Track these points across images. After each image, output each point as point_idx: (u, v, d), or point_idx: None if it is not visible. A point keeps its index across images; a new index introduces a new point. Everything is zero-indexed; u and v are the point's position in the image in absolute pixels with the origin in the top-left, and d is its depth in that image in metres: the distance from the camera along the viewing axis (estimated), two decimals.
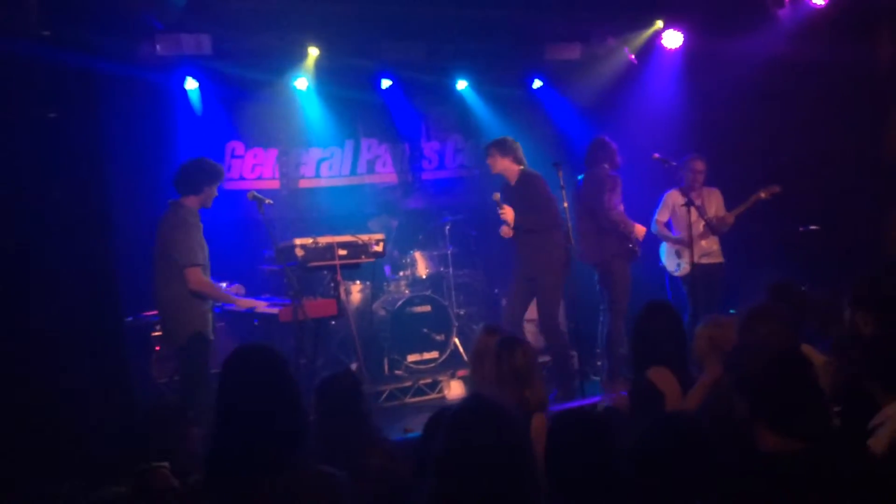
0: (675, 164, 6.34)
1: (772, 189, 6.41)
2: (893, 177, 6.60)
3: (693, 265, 6.13)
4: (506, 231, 6.11)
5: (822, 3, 6.50)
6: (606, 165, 6.38)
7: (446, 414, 2.21)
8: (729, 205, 6.75)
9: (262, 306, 5.55)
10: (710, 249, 6.67)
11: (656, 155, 6.31)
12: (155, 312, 5.61)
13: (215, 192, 5.23)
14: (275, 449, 2.30)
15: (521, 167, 6.19)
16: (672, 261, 6.81)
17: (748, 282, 6.56)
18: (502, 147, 6.18)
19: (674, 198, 6.74)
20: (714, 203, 6.75)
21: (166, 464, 2.82)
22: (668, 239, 6.80)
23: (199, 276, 4.96)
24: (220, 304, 5.73)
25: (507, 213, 6.00)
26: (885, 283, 3.81)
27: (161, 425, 3.16)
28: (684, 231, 6.46)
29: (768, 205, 6.73)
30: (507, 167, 6.16)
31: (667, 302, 3.98)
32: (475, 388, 3.88)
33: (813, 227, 6.96)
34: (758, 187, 6.52)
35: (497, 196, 6.10)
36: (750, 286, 6.40)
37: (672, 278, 6.85)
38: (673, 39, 7.30)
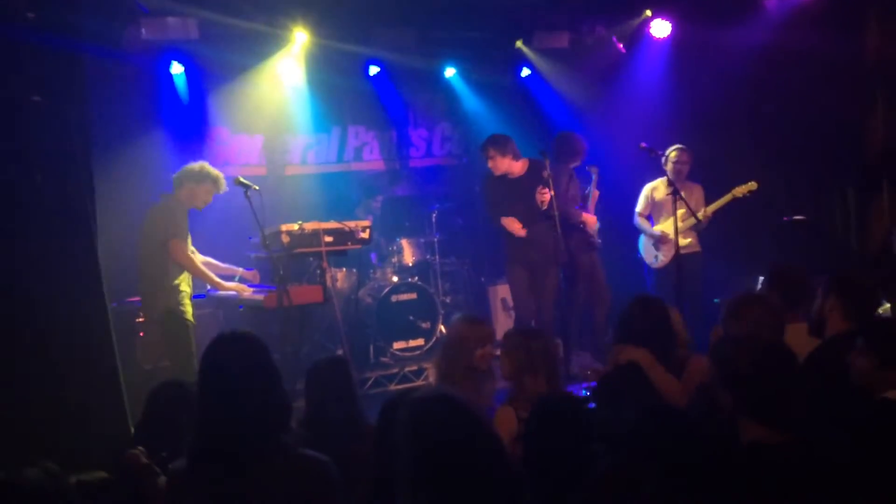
0: (661, 153, 6.35)
1: (748, 187, 6.39)
2: (878, 167, 6.65)
3: (679, 256, 6.11)
4: (518, 228, 6.08)
5: None
6: (566, 159, 6.44)
7: (403, 418, 2.13)
8: (714, 196, 6.73)
9: (247, 291, 5.56)
10: (687, 240, 6.67)
11: (643, 144, 6.33)
12: (138, 298, 5.64)
13: (204, 196, 5.38)
14: (257, 435, 2.30)
15: (525, 158, 6.22)
16: (650, 253, 6.83)
17: (734, 271, 6.62)
18: (500, 145, 6.14)
19: (653, 190, 6.77)
20: (694, 199, 6.69)
21: (140, 448, 2.81)
22: (647, 232, 6.83)
23: (182, 248, 5.16)
24: (205, 290, 5.74)
25: (547, 194, 5.91)
26: (860, 274, 3.86)
27: (164, 412, 3.11)
28: (668, 220, 6.56)
29: (755, 194, 6.77)
30: (508, 165, 6.14)
31: (653, 296, 4.00)
32: (443, 378, 3.83)
33: (798, 217, 7.01)
34: (736, 182, 6.51)
35: (548, 174, 5.98)
36: (736, 276, 6.46)
37: (650, 270, 6.88)
38: (661, 29, 7.30)
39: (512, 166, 6.16)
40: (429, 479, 1.99)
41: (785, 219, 6.90)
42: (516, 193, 6.12)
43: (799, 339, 3.40)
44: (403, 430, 2.06)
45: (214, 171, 5.40)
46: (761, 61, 7.10)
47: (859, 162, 6.79)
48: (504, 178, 6.19)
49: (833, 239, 7.02)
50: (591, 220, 6.54)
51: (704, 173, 6.90)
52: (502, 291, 7.98)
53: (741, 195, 6.38)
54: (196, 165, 5.37)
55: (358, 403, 3.31)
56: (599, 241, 6.70)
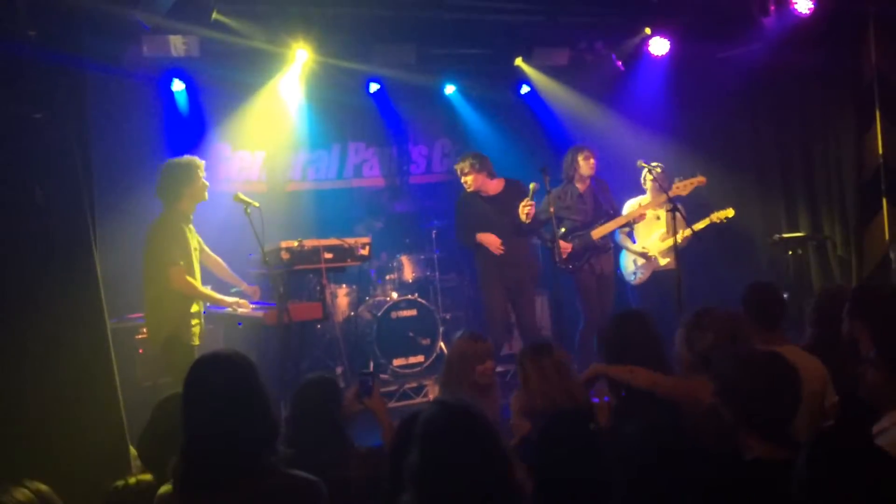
0: (660, 170, 6.36)
1: (726, 213, 6.35)
2: (876, 184, 6.66)
3: (679, 271, 6.05)
4: (497, 244, 6.14)
5: (807, 12, 6.55)
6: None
7: (416, 422, 2.17)
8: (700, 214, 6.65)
9: (246, 306, 5.55)
10: (666, 259, 6.64)
11: (641, 161, 6.35)
12: (138, 315, 5.62)
13: (202, 184, 5.16)
14: (242, 456, 2.28)
15: (502, 178, 6.32)
16: (629, 269, 6.83)
17: (732, 289, 6.60)
18: (478, 160, 6.25)
19: (634, 207, 6.75)
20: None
21: None
22: (629, 248, 6.82)
23: (181, 275, 4.99)
24: (204, 307, 5.71)
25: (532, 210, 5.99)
26: (881, 294, 3.84)
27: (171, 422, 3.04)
28: (649, 237, 6.60)
29: (752, 212, 6.76)
30: (483, 182, 6.24)
31: (633, 311, 3.98)
32: (451, 393, 3.82)
33: (797, 234, 7.01)
34: (734, 199, 6.49)
35: (536, 186, 6.05)
36: (734, 293, 6.44)
37: (631, 286, 6.86)
38: (660, 46, 7.34)
39: (487, 184, 6.25)
40: (432, 481, 2.02)
41: (784, 235, 6.89)
42: (491, 212, 6.20)
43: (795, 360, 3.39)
44: (420, 430, 2.11)
45: (187, 159, 5.17)
46: (759, 79, 7.14)
47: (858, 179, 6.79)
48: (477, 195, 6.26)
49: (833, 257, 7.01)
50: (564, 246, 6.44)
51: (702, 189, 6.90)
52: None
53: (718, 221, 6.34)
54: (166, 173, 5.14)
55: (338, 427, 3.20)
56: (570, 266, 6.46)
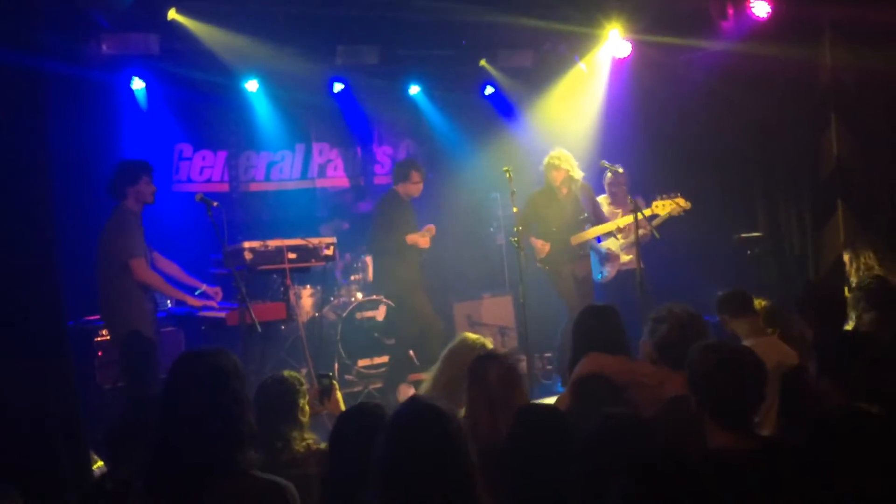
0: (621, 171, 6.42)
1: (683, 206, 6.42)
2: (832, 185, 6.79)
3: (641, 271, 6.12)
4: (426, 240, 6.60)
5: (765, 15, 6.66)
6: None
7: (380, 420, 2.17)
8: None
9: (212, 304, 5.51)
10: (629, 256, 6.72)
11: (604, 161, 6.42)
12: (97, 317, 5.55)
13: (148, 188, 5.22)
14: (216, 457, 2.26)
15: None
16: (595, 269, 6.90)
17: (693, 286, 6.70)
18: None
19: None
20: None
21: None
22: (593, 248, 6.88)
23: (143, 267, 5.05)
24: (166, 307, 5.65)
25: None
26: (823, 289, 3.95)
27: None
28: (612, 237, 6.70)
29: (714, 212, 6.85)
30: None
31: (601, 306, 4.03)
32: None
33: (756, 234, 7.13)
34: (694, 199, 6.58)
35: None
36: (695, 291, 6.54)
37: (597, 285, 6.93)
38: (622, 49, 7.42)
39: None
40: (397, 473, 2.04)
41: (743, 235, 7.01)
42: (415, 217, 6.62)
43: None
44: (390, 420, 2.14)
45: (137, 162, 5.27)
46: (719, 81, 7.25)
47: (815, 181, 6.92)
48: (404, 200, 6.61)
49: (788, 255, 7.15)
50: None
51: (663, 190, 6.98)
52: (468, 308, 8.01)
53: (676, 213, 6.40)
54: (114, 170, 5.22)
55: (300, 425, 3.22)
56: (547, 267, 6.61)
